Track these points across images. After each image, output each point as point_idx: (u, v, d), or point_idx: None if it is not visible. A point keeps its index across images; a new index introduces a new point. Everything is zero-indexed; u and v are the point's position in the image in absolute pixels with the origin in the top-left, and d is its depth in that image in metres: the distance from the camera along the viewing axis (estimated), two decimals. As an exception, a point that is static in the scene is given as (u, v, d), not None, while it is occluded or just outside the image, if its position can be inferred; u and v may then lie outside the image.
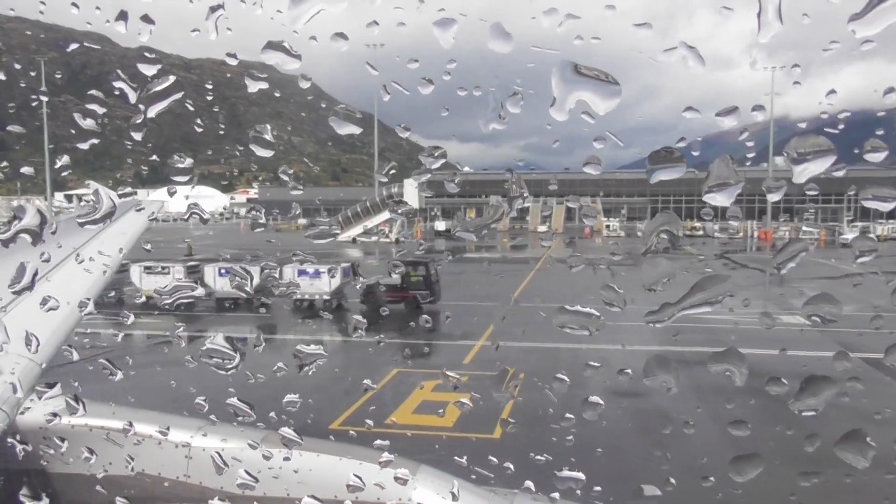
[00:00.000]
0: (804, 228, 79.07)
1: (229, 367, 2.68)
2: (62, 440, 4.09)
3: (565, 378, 2.78)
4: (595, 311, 2.18)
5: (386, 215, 78.82)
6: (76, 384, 4.72)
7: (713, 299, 1.91)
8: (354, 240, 76.73)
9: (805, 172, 1.61)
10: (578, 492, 2.73)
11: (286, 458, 3.59)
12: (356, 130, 2.07)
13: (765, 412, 3.99)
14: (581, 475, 2.81)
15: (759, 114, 1.88)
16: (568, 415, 3.28)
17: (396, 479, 3.51)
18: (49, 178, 76.49)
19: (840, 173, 1.66)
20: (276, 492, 3.69)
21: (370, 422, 14.67)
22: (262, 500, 3.69)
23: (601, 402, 2.49)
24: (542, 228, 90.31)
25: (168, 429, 4.06)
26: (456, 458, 4.05)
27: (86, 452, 4.07)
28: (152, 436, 4.07)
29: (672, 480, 3.56)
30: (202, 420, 4.11)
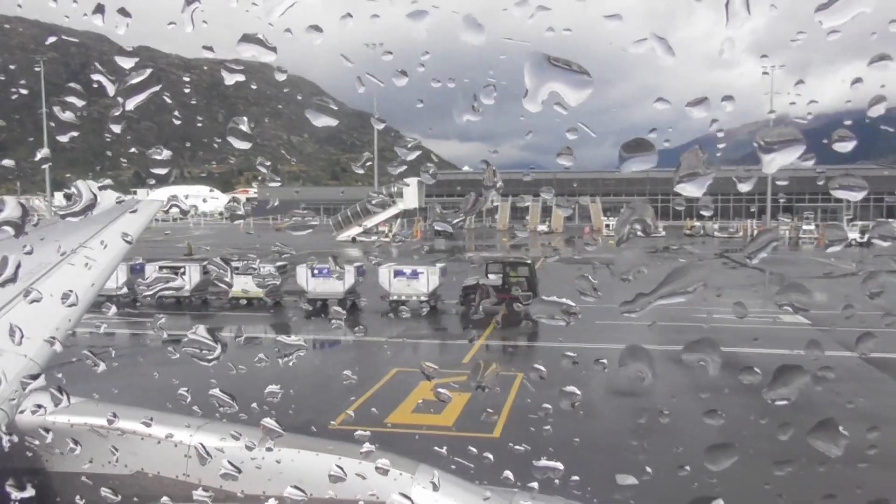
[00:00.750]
0: (804, 227, 78.85)
1: (210, 358, 2.70)
2: (60, 438, 4.09)
3: (542, 368, 2.79)
4: (571, 301, 2.20)
5: (385, 215, 78.82)
6: (74, 382, 4.72)
7: (687, 289, 1.92)
8: (354, 239, 76.72)
9: (773, 162, 1.62)
10: (556, 483, 2.74)
11: (271, 452, 3.59)
12: (332, 122, 2.08)
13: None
14: (559, 465, 2.82)
15: (728, 104, 1.90)
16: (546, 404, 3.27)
17: (395, 477, 3.51)
18: (48, 177, 76.46)
19: (809, 163, 1.67)
20: (274, 490, 3.70)
21: (373, 418, 14.69)
22: (260, 498, 3.70)
23: (577, 391, 2.51)
24: (542, 228, 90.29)
25: (166, 427, 4.06)
26: (455, 456, 4.05)
27: (84, 451, 4.07)
28: (151, 434, 4.07)
29: (648, 469, 3.56)
30: (201, 418, 4.11)
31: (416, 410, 17.22)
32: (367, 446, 3.38)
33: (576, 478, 2.98)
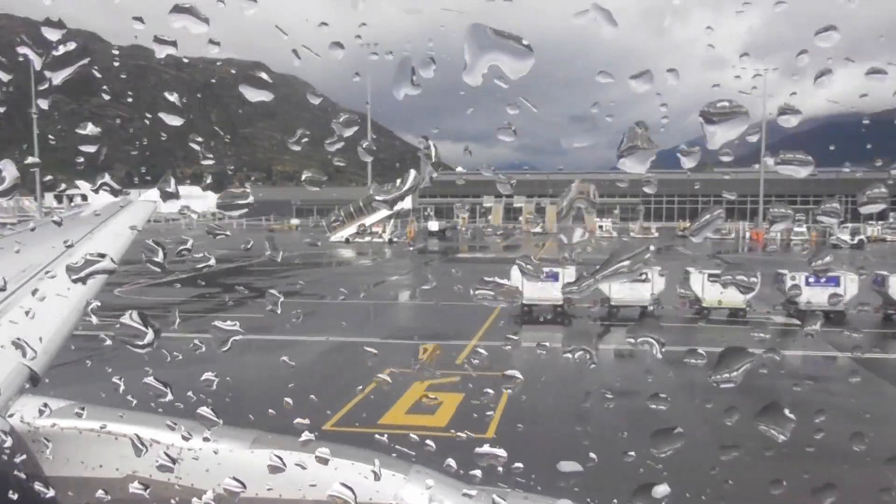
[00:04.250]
0: (795, 229, 79.29)
1: (142, 344, 2.66)
2: (50, 442, 4.08)
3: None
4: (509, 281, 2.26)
5: (380, 215, 78.72)
6: (70, 385, 4.72)
7: (630, 269, 1.97)
8: (348, 240, 76.66)
9: (717, 137, 1.65)
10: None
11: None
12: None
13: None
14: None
15: (671, 75, 1.92)
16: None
17: (388, 478, 3.52)
18: (38, 178, 75.91)
19: (754, 138, 1.71)
20: (268, 493, 3.70)
21: (358, 421, 14.69)
22: (252, 500, 3.70)
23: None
24: (537, 229, 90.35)
25: (157, 430, 4.06)
26: (449, 457, 4.06)
27: (73, 454, 4.07)
28: (141, 437, 4.07)
29: (593, 455, 3.56)
30: (192, 421, 4.11)
31: (411, 411, 17.25)
32: (306, 435, 3.33)
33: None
